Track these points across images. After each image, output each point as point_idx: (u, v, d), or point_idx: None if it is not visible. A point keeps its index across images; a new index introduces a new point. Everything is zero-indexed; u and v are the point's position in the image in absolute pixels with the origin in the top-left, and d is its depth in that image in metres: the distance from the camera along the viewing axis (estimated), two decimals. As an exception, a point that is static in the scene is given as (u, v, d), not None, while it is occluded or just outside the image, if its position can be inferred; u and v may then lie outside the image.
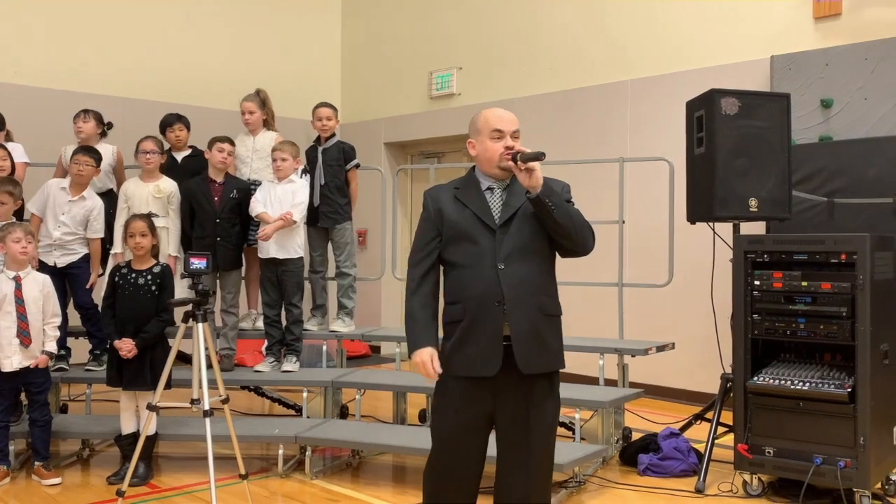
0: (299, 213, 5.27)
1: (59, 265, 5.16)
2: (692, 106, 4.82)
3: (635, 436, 5.09)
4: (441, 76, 8.72)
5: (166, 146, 5.64)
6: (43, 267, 5.12)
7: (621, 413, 5.09)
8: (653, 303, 6.45)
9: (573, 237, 2.81)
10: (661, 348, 5.28)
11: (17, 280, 4.46)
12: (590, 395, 4.90)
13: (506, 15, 8.15)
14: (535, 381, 2.80)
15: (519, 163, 2.75)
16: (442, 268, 2.91)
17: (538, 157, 2.74)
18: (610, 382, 5.22)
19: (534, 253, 2.82)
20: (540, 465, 2.86)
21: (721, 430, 4.67)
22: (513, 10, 8.09)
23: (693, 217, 4.82)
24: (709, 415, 4.90)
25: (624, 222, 5.74)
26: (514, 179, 2.85)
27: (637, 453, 4.79)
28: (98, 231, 5.27)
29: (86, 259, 5.27)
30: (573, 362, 6.40)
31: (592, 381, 5.31)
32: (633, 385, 5.34)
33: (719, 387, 4.75)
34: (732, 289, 4.38)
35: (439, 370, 2.81)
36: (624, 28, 7.23)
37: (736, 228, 4.68)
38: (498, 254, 2.78)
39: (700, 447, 4.71)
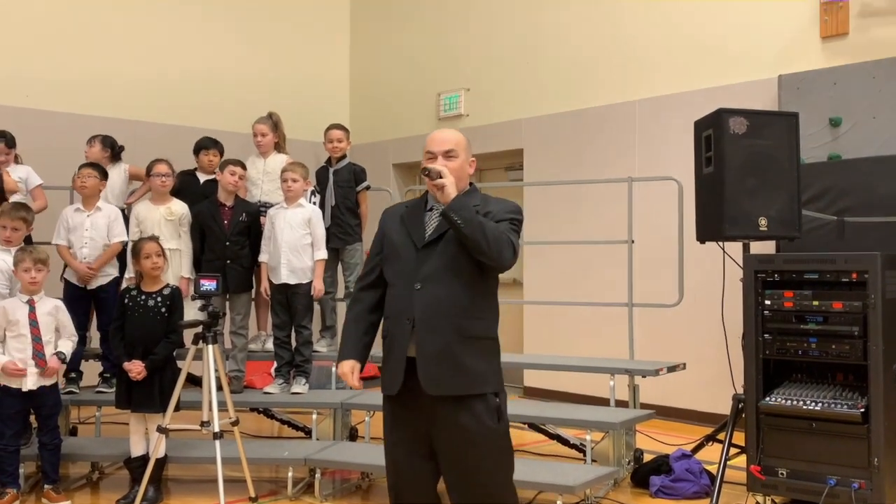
0: (323, 254, 5.31)
1: (88, 287, 5.18)
2: (700, 125, 4.82)
3: (647, 457, 5.05)
4: (449, 97, 8.76)
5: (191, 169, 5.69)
6: (73, 288, 5.16)
7: (632, 434, 5.06)
8: (663, 323, 6.43)
9: (484, 250, 2.73)
10: (671, 369, 5.25)
11: (31, 303, 4.48)
12: (600, 416, 4.88)
13: (513, 36, 8.19)
14: (464, 402, 2.76)
15: (429, 178, 2.77)
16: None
17: (429, 172, 2.77)
18: (621, 403, 5.19)
19: (457, 273, 2.79)
20: (478, 489, 2.80)
21: (733, 451, 4.61)
22: (520, 32, 8.13)
23: (703, 236, 4.80)
24: (720, 436, 4.85)
25: (633, 242, 5.73)
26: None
27: (649, 475, 4.76)
28: (119, 235, 5.28)
29: (116, 282, 5.30)
30: (584, 383, 6.44)
31: (603, 402, 5.29)
32: (644, 406, 5.31)
33: (731, 407, 4.71)
34: (743, 308, 4.36)
35: (357, 383, 2.90)
36: (631, 48, 7.26)
37: (746, 248, 4.66)
38: (418, 273, 2.79)
39: (712, 469, 4.67)
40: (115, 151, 5.78)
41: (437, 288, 2.77)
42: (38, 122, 7.22)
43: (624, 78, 7.29)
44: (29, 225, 4.90)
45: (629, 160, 7.10)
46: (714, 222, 4.62)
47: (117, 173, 5.72)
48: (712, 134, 4.63)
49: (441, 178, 2.74)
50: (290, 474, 4.73)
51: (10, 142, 5.45)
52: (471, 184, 2.99)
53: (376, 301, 2.95)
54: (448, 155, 2.86)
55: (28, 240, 5.08)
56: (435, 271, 2.79)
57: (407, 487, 2.89)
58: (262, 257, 5.36)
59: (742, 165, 4.55)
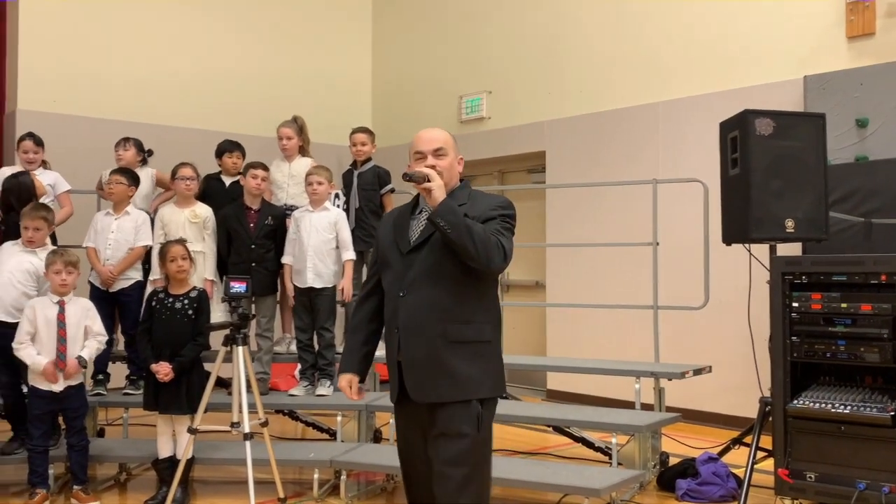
0: (351, 255, 5.35)
1: (111, 290, 5.23)
2: (726, 127, 4.79)
3: (673, 461, 5.02)
4: (471, 100, 8.77)
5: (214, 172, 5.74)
6: (96, 291, 5.22)
7: (658, 437, 5.03)
8: (689, 325, 6.39)
9: (472, 255, 2.64)
10: (697, 371, 5.22)
11: (61, 304, 4.53)
12: (626, 419, 4.86)
13: (535, 38, 8.19)
14: (448, 409, 2.70)
15: (412, 182, 2.69)
16: None
17: (412, 178, 2.68)
18: (646, 406, 5.17)
19: (442, 277, 2.72)
20: (445, 497, 2.70)
21: (760, 454, 4.58)
22: (542, 34, 8.13)
23: (728, 238, 4.78)
24: (747, 439, 4.81)
25: (658, 244, 5.70)
26: None
27: (675, 478, 4.73)
28: (144, 239, 5.33)
29: (138, 286, 5.35)
30: (608, 386, 6.42)
31: (628, 405, 5.27)
32: (669, 409, 5.29)
33: (758, 410, 4.67)
34: (770, 311, 4.33)
35: (356, 396, 2.91)
36: (654, 50, 7.23)
37: (772, 250, 4.63)
38: (403, 280, 2.76)
39: (739, 472, 4.64)
40: (144, 155, 5.84)
41: (420, 293, 2.73)
42: (64, 126, 7.30)
43: (647, 79, 7.26)
44: (50, 225, 4.94)
45: (653, 162, 7.07)
46: (740, 224, 4.60)
47: (145, 177, 5.78)
48: (738, 135, 4.61)
49: (428, 181, 2.66)
50: (315, 476, 4.75)
51: (38, 141, 5.54)
52: (462, 180, 2.93)
53: (375, 309, 2.92)
54: (438, 153, 2.81)
55: (53, 241, 5.12)
56: (418, 277, 2.74)
57: (418, 491, 2.88)
58: (286, 259, 5.38)
59: (768, 167, 4.52)
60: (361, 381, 2.95)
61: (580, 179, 7.43)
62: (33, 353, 4.48)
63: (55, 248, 4.60)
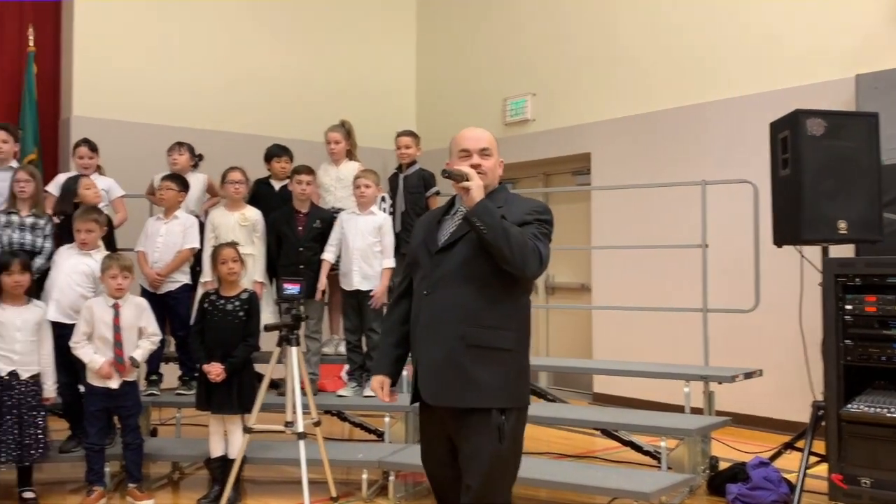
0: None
1: (158, 292, 5.35)
2: (776, 127, 4.73)
3: (723, 465, 4.97)
4: (515, 103, 8.76)
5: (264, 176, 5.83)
6: (145, 293, 5.33)
7: (708, 441, 4.98)
8: (739, 328, 6.31)
9: (508, 258, 2.57)
10: (748, 375, 5.16)
11: (116, 307, 4.64)
12: (675, 423, 4.83)
13: (580, 39, 8.16)
14: (470, 415, 2.64)
15: (452, 180, 2.64)
16: None
17: (451, 175, 2.62)
18: (696, 410, 5.12)
19: (470, 278, 2.65)
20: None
21: (813, 459, 4.51)
22: (587, 35, 8.10)
23: (780, 240, 4.71)
24: (800, 444, 4.74)
25: (707, 246, 5.65)
26: None
27: (725, 483, 4.68)
28: (191, 242, 5.43)
29: (185, 288, 5.45)
30: (655, 389, 6.37)
31: (677, 408, 5.23)
32: (719, 413, 5.23)
33: (810, 415, 4.61)
34: (823, 313, 4.26)
35: (388, 398, 2.88)
36: (702, 50, 7.16)
37: (825, 251, 4.56)
38: (430, 278, 2.71)
39: (791, 477, 4.57)
40: (196, 160, 5.96)
41: (444, 294, 2.67)
42: (117, 132, 7.45)
43: (694, 79, 7.19)
44: (102, 226, 5.03)
45: (700, 163, 7.00)
46: (791, 226, 4.54)
47: (196, 181, 5.90)
48: (789, 135, 4.55)
49: (467, 180, 2.61)
50: (364, 476, 4.79)
51: (92, 146, 5.69)
52: (500, 182, 2.87)
53: (408, 311, 2.86)
54: (484, 153, 2.76)
55: (110, 242, 5.24)
56: (444, 276, 2.68)
57: (444, 493, 2.86)
58: (326, 255, 5.42)
59: (820, 167, 4.45)
60: (393, 383, 2.93)
61: (626, 181, 7.38)
62: (90, 351, 4.60)
63: (110, 252, 4.69)
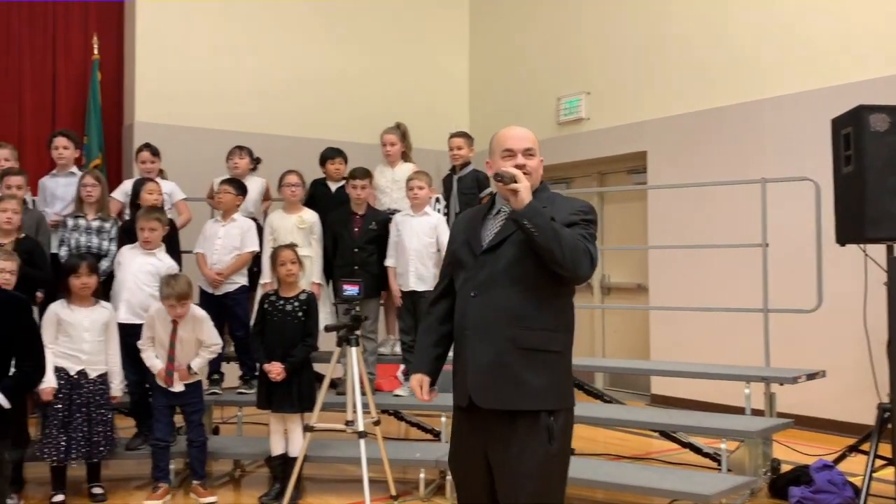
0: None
1: (216, 293, 5.46)
2: (838, 123, 4.64)
3: (784, 468, 4.88)
4: (569, 102, 8.72)
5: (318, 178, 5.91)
6: (204, 294, 5.46)
7: (769, 444, 4.90)
8: (801, 329, 6.18)
9: (559, 261, 2.53)
10: (811, 376, 5.06)
11: (174, 324, 4.76)
12: (735, 424, 4.76)
13: (634, 37, 8.08)
14: (519, 418, 2.60)
15: (501, 182, 2.59)
16: None
17: (502, 177, 2.57)
18: (756, 412, 5.04)
19: (517, 280, 2.62)
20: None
21: (879, 462, 4.40)
22: (641, 32, 8.02)
23: (843, 239, 4.62)
24: (864, 446, 4.64)
25: (767, 245, 5.55)
26: None
27: (788, 486, 4.60)
28: (250, 245, 5.53)
29: (242, 290, 5.56)
30: (718, 391, 6.28)
31: (738, 410, 5.15)
32: (781, 415, 5.14)
33: (876, 417, 4.50)
34: (888, 313, 4.17)
35: (426, 397, 2.84)
36: (760, 44, 7.03)
37: (889, 250, 4.45)
38: (476, 279, 2.67)
39: (856, 481, 4.47)
40: (255, 163, 6.08)
41: (491, 296, 2.63)
42: (178, 137, 7.62)
43: (753, 75, 7.06)
44: (164, 225, 5.16)
45: (759, 161, 6.88)
46: (855, 223, 4.44)
47: (255, 184, 6.01)
48: (852, 132, 4.45)
49: (516, 181, 2.56)
50: (421, 475, 4.83)
51: (154, 151, 5.85)
52: (542, 182, 2.81)
53: (447, 311, 2.84)
54: (528, 153, 2.71)
55: (173, 244, 5.36)
56: (491, 278, 2.65)
57: (469, 492, 2.80)
58: (389, 262, 5.48)
59: (884, 164, 4.35)
60: (432, 383, 2.90)
61: (683, 179, 7.28)
62: (153, 355, 4.77)
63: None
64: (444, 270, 2.95)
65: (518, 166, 2.65)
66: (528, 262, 2.61)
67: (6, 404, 3.00)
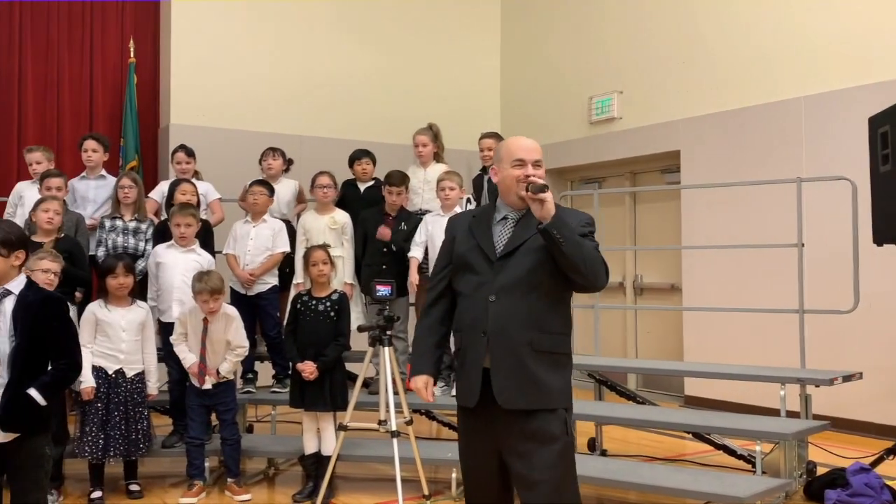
0: None
1: (249, 293, 5.52)
2: (875, 122, 4.57)
3: (820, 470, 4.82)
4: (601, 101, 8.68)
5: (349, 179, 5.96)
6: (236, 294, 5.51)
7: (805, 446, 4.84)
8: (837, 330, 6.10)
9: (582, 271, 2.68)
10: (847, 378, 4.98)
11: (205, 323, 4.82)
12: (770, 426, 4.71)
13: (667, 36, 8.02)
14: (533, 416, 2.71)
15: (530, 193, 2.69)
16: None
17: (543, 189, 2.67)
18: (792, 414, 4.98)
19: (532, 286, 2.73)
20: (542, 499, 2.71)
21: (918, 466, 4.35)
22: (674, 30, 7.96)
23: (880, 239, 4.55)
24: (903, 449, 4.58)
25: (803, 245, 5.48)
26: (531, 210, 2.75)
27: (823, 489, 4.54)
28: (282, 246, 5.59)
29: (274, 290, 5.61)
30: (752, 392, 6.21)
31: (773, 412, 5.10)
32: (816, 417, 5.07)
33: (915, 420, 4.44)
34: (928, 314, 4.10)
35: (431, 398, 2.91)
36: (795, 42, 6.94)
37: (929, 250, 4.38)
38: (492, 285, 2.74)
39: (894, 484, 4.41)
40: (288, 165, 6.13)
41: (510, 300, 2.73)
42: (212, 139, 7.71)
43: (788, 73, 6.98)
44: (198, 221, 5.23)
45: (795, 160, 6.80)
46: (892, 223, 4.39)
47: (288, 186, 6.06)
48: (889, 130, 4.39)
49: (545, 191, 2.67)
50: (453, 475, 4.84)
51: (189, 152, 5.94)
52: None
53: (446, 312, 2.92)
54: (537, 164, 2.80)
55: (207, 243, 5.43)
56: (509, 284, 2.74)
57: (479, 492, 2.88)
58: (414, 252, 5.48)
59: (923, 163, 4.28)
60: (434, 382, 2.98)
61: (717, 179, 7.22)
62: (185, 349, 4.84)
63: (201, 272, 4.86)
64: (440, 272, 2.96)
65: (528, 176, 2.75)
66: (545, 270, 2.73)
67: (41, 401, 3.06)
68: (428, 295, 3.00)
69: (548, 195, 2.66)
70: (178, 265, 5.05)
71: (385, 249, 5.51)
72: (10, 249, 3.08)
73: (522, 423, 2.72)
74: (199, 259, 5.09)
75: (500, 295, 2.73)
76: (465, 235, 2.88)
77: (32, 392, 3.06)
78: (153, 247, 5.35)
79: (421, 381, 2.91)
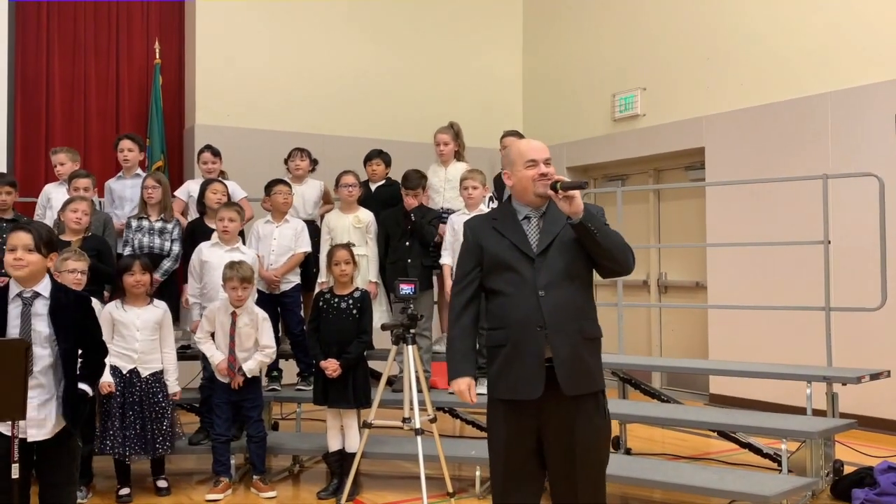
0: None
1: (273, 293, 5.55)
2: (904, 117, 4.52)
3: (847, 469, 4.78)
4: (624, 98, 8.64)
5: (363, 178, 5.99)
6: (260, 294, 5.54)
7: (831, 445, 4.80)
8: (864, 327, 6.04)
9: (616, 258, 2.87)
10: (874, 376, 4.93)
11: (233, 316, 4.86)
12: (796, 425, 4.67)
13: (689, 32, 7.97)
14: (579, 401, 2.86)
15: (560, 191, 2.80)
16: (484, 295, 3.01)
17: (581, 186, 2.81)
18: (818, 412, 4.94)
19: (573, 278, 2.89)
20: (587, 481, 2.88)
21: (947, 465, 4.29)
22: (696, 27, 7.91)
23: (908, 235, 4.50)
24: (932, 449, 4.52)
25: (830, 242, 5.43)
26: (550, 207, 2.92)
27: (851, 488, 4.50)
28: (304, 245, 5.62)
29: (297, 288, 5.65)
30: (778, 391, 6.17)
31: (799, 410, 5.07)
32: (843, 415, 5.03)
33: (944, 418, 4.39)
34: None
35: (475, 399, 2.98)
36: (819, 37, 6.87)
37: (959, 247, 4.33)
38: (538, 281, 2.86)
39: (923, 483, 4.35)
40: (314, 165, 6.17)
41: (558, 293, 2.86)
42: (237, 139, 7.78)
43: (815, 69, 6.90)
44: (242, 217, 5.26)
45: (822, 156, 6.73)
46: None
47: (314, 187, 6.10)
48: (918, 125, 4.34)
49: (584, 187, 2.82)
50: (477, 473, 4.85)
51: (215, 152, 5.99)
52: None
53: (476, 315, 3.03)
54: (548, 162, 2.93)
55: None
56: (553, 277, 2.86)
57: (515, 487, 2.94)
58: (445, 259, 5.51)
59: (953, 158, 4.22)
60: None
61: (742, 176, 7.16)
62: (212, 347, 4.86)
63: (233, 261, 4.89)
64: (469, 273, 3.01)
65: (542, 174, 2.89)
66: (580, 261, 2.90)
67: (91, 392, 3.15)
68: (457, 298, 3.03)
69: (577, 192, 2.78)
70: (221, 265, 4.99)
71: (407, 244, 5.51)
72: (50, 250, 3.13)
73: (565, 408, 2.85)
74: (243, 258, 5.06)
75: (547, 290, 2.85)
76: (494, 236, 2.96)
77: (85, 387, 3.12)
78: (180, 247, 5.41)
79: (464, 384, 2.99)
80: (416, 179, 5.60)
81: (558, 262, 2.87)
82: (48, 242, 3.12)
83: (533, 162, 2.91)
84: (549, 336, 2.83)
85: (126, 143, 5.91)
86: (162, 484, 4.90)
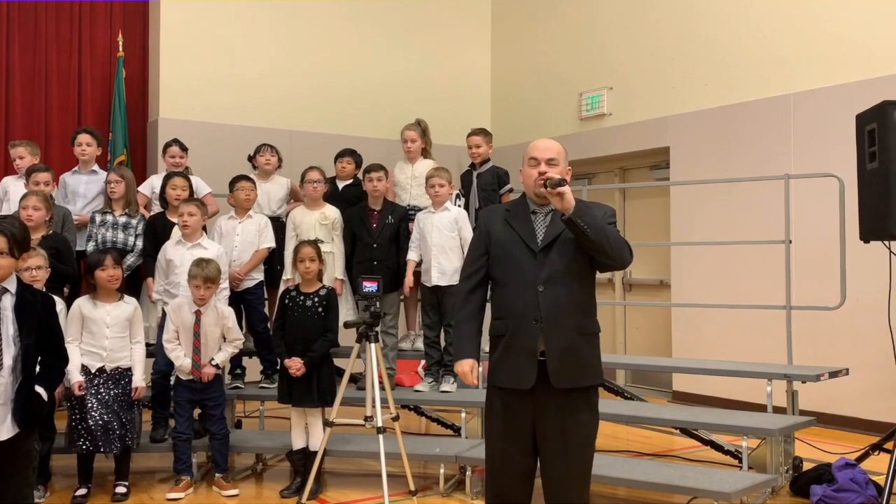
0: None
1: (236, 290, 5.50)
2: (863, 119, 4.58)
3: (806, 466, 4.85)
4: (591, 97, 8.69)
5: (329, 175, 5.95)
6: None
7: (791, 442, 4.87)
8: (824, 326, 6.14)
9: (608, 253, 2.91)
10: (833, 374, 5.02)
11: (198, 315, 4.81)
12: (757, 422, 4.74)
13: (657, 32, 8.04)
14: (572, 394, 2.95)
15: (548, 189, 2.88)
16: (491, 283, 3.11)
17: (560, 183, 2.87)
18: (778, 410, 5.01)
19: (573, 275, 2.97)
20: (576, 472, 2.97)
21: (902, 461, 4.37)
22: (664, 26, 7.97)
23: (867, 235, 4.56)
24: (888, 445, 4.60)
25: (791, 242, 5.51)
26: None
27: (809, 484, 4.56)
28: (267, 241, 5.59)
29: (260, 285, 5.60)
30: (739, 388, 6.25)
31: (760, 407, 5.13)
32: (803, 413, 5.11)
33: (900, 415, 4.47)
34: (913, 311, 4.12)
35: (476, 381, 3.07)
36: (783, 39, 6.96)
37: (915, 247, 4.41)
38: (538, 275, 2.94)
39: (879, 479, 4.43)
40: (280, 162, 6.12)
41: (558, 289, 2.94)
42: (201, 133, 7.68)
43: (777, 71, 7.00)
44: (202, 212, 5.17)
45: (784, 157, 6.83)
46: (879, 220, 4.39)
47: (280, 184, 6.04)
48: (876, 128, 4.40)
49: (563, 185, 2.87)
50: (441, 471, 4.84)
51: (182, 146, 5.93)
52: None
53: (483, 300, 3.13)
54: (550, 162, 3.00)
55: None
56: (553, 273, 2.94)
57: (508, 477, 3.03)
58: (411, 255, 5.49)
59: (910, 160, 4.29)
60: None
61: (706, 175, 7.24)
62: (181, 354, 4.80)
63: (201, 259, 4.82)
64: (477, 260, 3.12)
65: (540, 173, 2.97)
66: (581, 258, 2.97)
67: (46, 397, 3.09)
68: (464, 283, 3.15)
69: (566, 189, 2.85)
70: (184, 263, 4.95)
71: (374, 246, 5.49)
72: (22, 251, 3.07)
73: (560, 399, 2.93)
74: (205, 253, 5.01)
75: (546, 285, 2.93)
76: (504, 227, 3.06)
77: (40, 390, 3.06)
78: (143, 241, 5.34)
79: (467, 365, 3.06)
80: (378, 164, 5.60)
81: (560, 258, 2.95)
82: (21, 242, 3.05)
83: (535, 161, 3.01)
84: (545, 330, 2.91)
85: (84, 138, 5.81)
86: (120, 490, 4.72)
